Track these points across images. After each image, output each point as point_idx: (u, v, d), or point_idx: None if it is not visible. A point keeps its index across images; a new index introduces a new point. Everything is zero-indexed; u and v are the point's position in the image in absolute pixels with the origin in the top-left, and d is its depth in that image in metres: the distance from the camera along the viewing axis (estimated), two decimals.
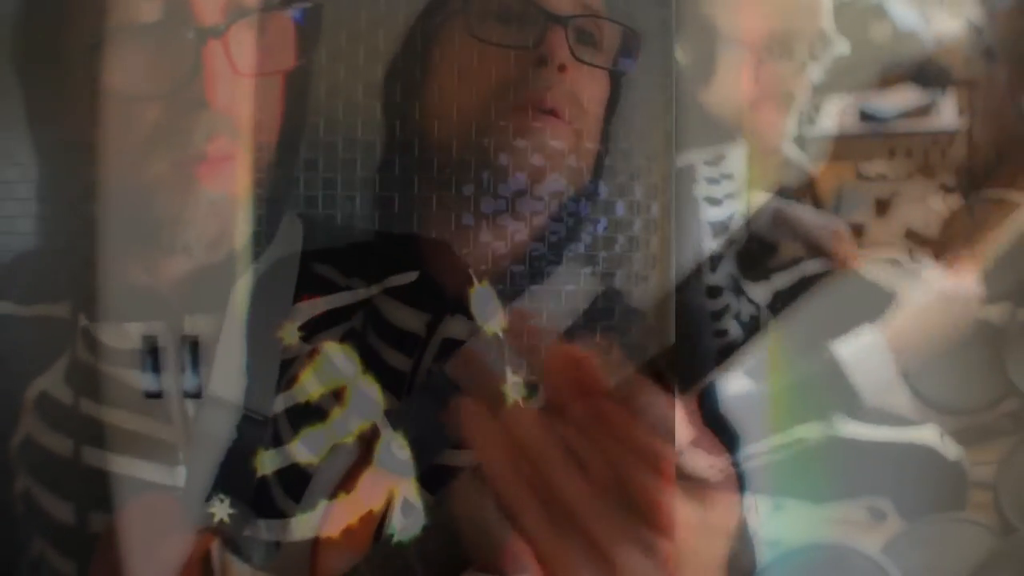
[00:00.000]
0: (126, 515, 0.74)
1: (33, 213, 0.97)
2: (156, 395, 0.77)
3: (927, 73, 1.32)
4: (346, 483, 0.76)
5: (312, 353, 0.78)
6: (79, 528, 0.76)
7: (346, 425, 0.76)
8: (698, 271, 1.14)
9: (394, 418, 0.76)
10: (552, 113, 0.77)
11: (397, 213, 0.86)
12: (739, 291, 1.27)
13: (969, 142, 1.34)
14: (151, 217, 0.78)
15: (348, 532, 0.73)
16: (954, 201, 1.37)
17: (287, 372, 0.78)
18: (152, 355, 0.78)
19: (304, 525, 0.76)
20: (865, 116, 1.36)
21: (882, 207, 1.34)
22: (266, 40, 0.78)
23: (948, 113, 1.36)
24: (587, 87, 0.79)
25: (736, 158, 1.25)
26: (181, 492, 0.76)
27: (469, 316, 0.80)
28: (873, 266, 1.31)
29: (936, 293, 1.32)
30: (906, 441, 1.35)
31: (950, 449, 1.35)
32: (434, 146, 0.80)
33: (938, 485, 1.33)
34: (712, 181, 1.24)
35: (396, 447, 0.75)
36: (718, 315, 1.24)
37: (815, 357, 1.31)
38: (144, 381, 0.78)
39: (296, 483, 0.77)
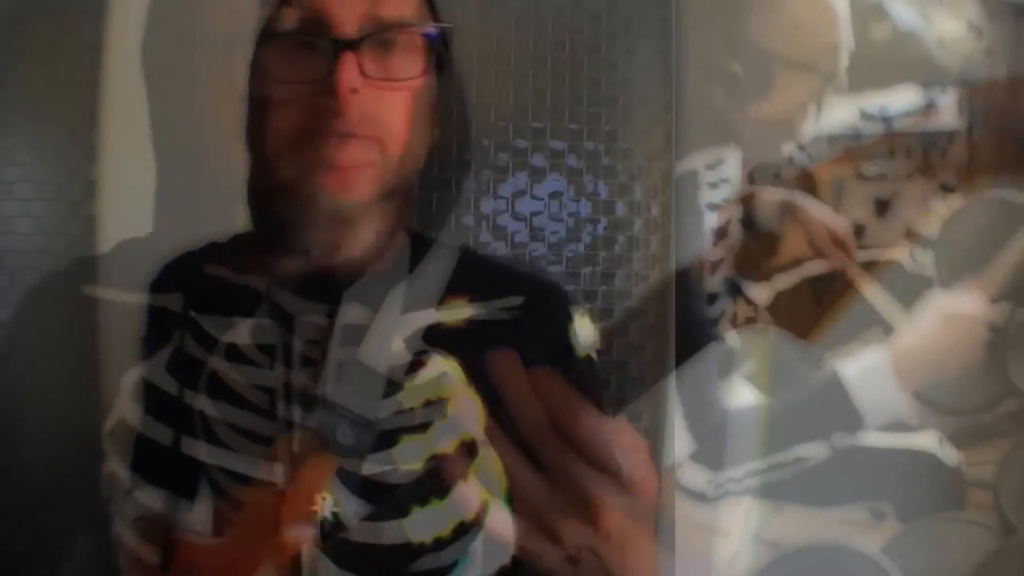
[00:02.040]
0: (229, 509, 0.77)
1: (33, 213, 0.97)
2: (267, 391, 0.80)
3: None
4: (440, 491, 0.80)
5: (417, 363, 0.82)
6: (165, 515, 0.78)
7: (445, 436, 0.79)
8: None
9: (323, 409, 0.79)
10: (351, 135, 0.78)
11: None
12: (736, 294, 1.27)
13: (969, 142, 1.34)
14: (274, 219, 0.81)
15: (297, 510, 0.76)
16: (954, 201, 1.37)
17: (393, 380, 0.81)
18: (264, 352, 0.81)
19: (395, 530, 0.79)
20: (865, 116, 1.36)
21: (882, 207, 1.34)
22: (398, 54, 0.80)
23: (948, 113, 1.36)
24: (391, 102, 0.80)
25: (735, 162, 1.25)
26: (281, 489, 0.78)
27: (362, 303, 0.83)
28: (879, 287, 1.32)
29: (943, 315, 1.31)
30: (906, 447, 1.35)
31: (949, 455, 1.35)
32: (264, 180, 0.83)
33: (937, 491, 1.33)
34: (712, 186, 1.24)
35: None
36: (716, 321, 1.24)
37: (818, 375, 1.30)
38: (256, 376, 0.81)
39: (393, 489, 0.80)
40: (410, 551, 0.79)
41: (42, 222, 0.97)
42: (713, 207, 1.24)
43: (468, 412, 0.80)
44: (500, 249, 0.99)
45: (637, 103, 1.03)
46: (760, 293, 1.26)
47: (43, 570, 0.83)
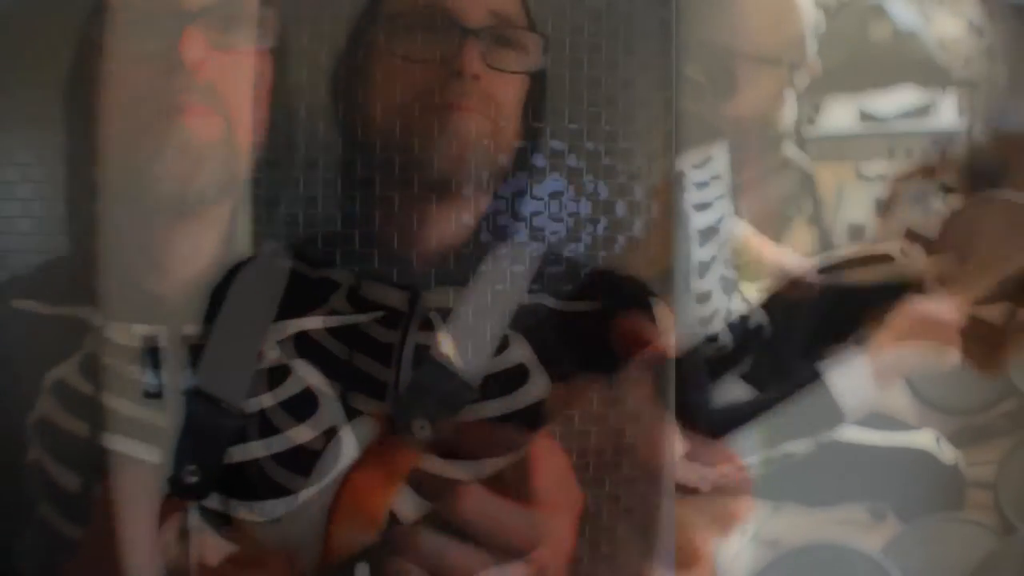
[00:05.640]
0: (115, 484, 0.83)
1: (33, 213, 0.97)
2: (156, 394, 0.83)
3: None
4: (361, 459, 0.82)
5: (285, 365, 0.86)
6: (82, 495, 0.84)
7: (316, 425, 0.83)
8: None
9: (396, 391, 0.83)
10: (471, 112, 0.87)
11: (360, 211, 0.90)
12: (730, 291, 1.27)
13: (969, 142, 1.34)
14: (145, 173, 0.85)
15: (361, 505, 0.79)
16: (954, 201, 1.37)
17: (266, 375, 0.85)
18: (152, 355, 0.85)
19: (277, 507, 0.82)
20: (865, 116, 1.36)
21: (882, 207, 1.34)
22: (511, 48, 0.89)
23: (948, 113, 1.36)
24: (503, 89, 0.88)
25: (722, 159, 1.25)
26: (162, 467, 0.83)
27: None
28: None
29: (921, 317, 1.32)
30: (903, 446, 1.35)
31: (946, 453, 1.35)
32: (374, 148, 0.89)
33: (935, 489, 1.34)
34: (700, 185, 1.24)
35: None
36: (708, 320, 1.24)
37: (802, 375, 1.31)
38: (144, 380, 0.85)
39: (289, 463, 0.84)
40: None
41: (42, 222, 0.97)
42: (701, 206, 1.24)
43: (332, 403, 0.84)
44: (447, 237, 0.99)
45: (637, 103, 1.03)
46: (755, 292, 1.26)
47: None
